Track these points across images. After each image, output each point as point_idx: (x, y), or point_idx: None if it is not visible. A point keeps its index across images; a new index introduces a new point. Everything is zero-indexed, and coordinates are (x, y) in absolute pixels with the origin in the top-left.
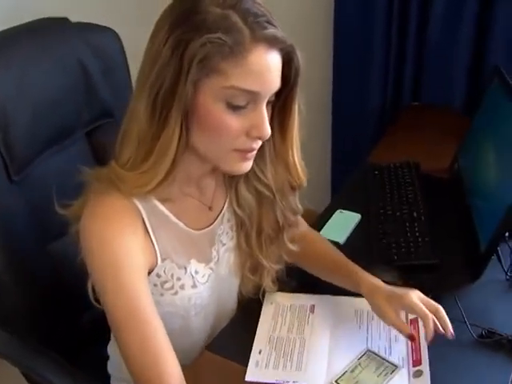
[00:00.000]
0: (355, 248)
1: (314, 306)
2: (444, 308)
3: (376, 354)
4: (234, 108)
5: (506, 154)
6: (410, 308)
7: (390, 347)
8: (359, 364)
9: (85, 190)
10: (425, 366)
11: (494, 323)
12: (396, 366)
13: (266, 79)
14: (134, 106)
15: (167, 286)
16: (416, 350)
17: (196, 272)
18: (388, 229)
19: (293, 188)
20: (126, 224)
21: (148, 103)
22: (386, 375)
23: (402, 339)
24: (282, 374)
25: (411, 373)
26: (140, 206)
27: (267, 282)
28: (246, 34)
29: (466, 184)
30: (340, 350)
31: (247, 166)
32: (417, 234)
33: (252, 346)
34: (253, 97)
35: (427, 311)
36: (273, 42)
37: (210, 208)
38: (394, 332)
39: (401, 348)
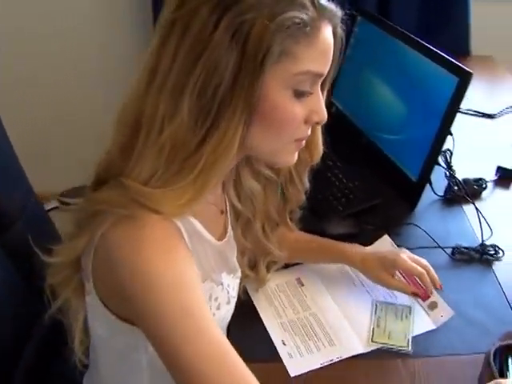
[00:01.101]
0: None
1: (299, 278)
2: (408, 238)
3: (386, 303)
4: (299, 95)
5: (396, 81)
6: (407, 270)
7: (392, 293)
8: (379, 317)
9: (82, 223)
10: (436, 297)
11: (453, 239)
12: (409, 307)
13: (329, 59)
14: (156, 108)
15: None
16: (417, 285)
17: (228, 285)
18: (314, 183)
19: (306, 164)
20: (182, 254)
21: (196, 104)
22: (407, 318)
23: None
24: (321, 356)
25: (425, 307)
26: (181, 226)
27: (266, 275)
28: (312, 10)
29: (360, 123)
30: (352, 310)
31: (297, 155)
32: (344, 180)
33: (264, 338)
34: (315, 80)
35: (421, 269)
36: (332, 18)
37: (222, 211)
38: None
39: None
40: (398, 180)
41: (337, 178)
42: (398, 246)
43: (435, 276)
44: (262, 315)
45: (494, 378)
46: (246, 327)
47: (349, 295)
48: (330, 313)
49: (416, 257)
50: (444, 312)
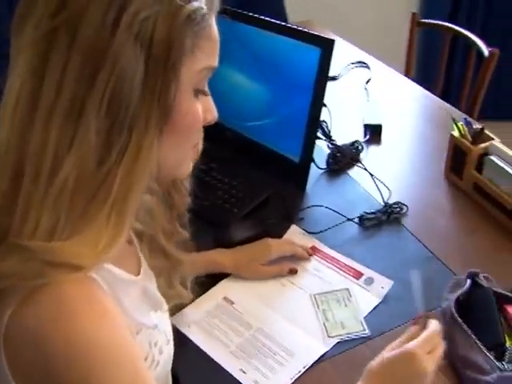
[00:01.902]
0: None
1: (226, 296)
2: (313, 220)
3: (323, 293)
4: (198, 94)
5: (254, 67)
6: (280, 254)
7: (325, 281)
8: (324, 310)
9: None
10: (369, 272)
11: (356, 209)
12: (347, 289)
13: (218, 51)
14: (46, 140)
15: (148, 361)
16: (346, 267)
17: (161, 324)
18: (197, 191)
19: None
20: (111, 312)
21: (104, 122)
22: (349, 301)
23: (323, 268)
24: (287, 371)
25: (362, 285)
26: (97, 278)
27: (184, 292)
28: (203, 1)
29: (224, 119)
30: (293, 312)
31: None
32: (226, 180)
33: (221, 374)
34: (208, 76)
35: (289, 246)
36: (214, 8)
37: (130, 242)
38: (309, 267)
39: (331, 275)
40: (281, 165)
41: (218, 180)
42: (307, 232)
43: (303, 245)
44: (207, 351)
45: (462, 329)
46: (196, 370)
47: (282, 298)
48: (274, 323)
49: (279, 240)
50: (383, 283)
